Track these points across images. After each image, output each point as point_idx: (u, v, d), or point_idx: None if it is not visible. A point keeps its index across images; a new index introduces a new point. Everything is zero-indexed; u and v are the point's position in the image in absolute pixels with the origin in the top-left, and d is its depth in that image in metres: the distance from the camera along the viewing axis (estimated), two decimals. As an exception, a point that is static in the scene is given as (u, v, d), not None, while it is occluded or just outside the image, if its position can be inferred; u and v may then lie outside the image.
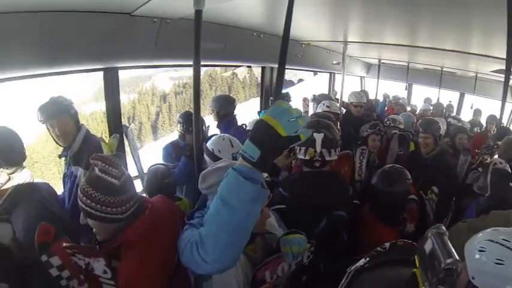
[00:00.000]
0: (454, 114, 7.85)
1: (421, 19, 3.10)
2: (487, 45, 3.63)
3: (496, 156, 3.55)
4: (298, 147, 2.32)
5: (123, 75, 3.66)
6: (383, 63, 7.40)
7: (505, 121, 7.74)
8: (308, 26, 4.00)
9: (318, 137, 2.25)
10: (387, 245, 1.10)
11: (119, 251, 1.57)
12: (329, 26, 4.18)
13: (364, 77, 9.22)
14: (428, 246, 0.87)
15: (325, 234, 2.19)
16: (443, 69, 6.87)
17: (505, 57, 3.51)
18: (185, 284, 1.58)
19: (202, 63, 2.46)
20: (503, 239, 1.29)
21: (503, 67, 4.13)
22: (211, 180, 1.62)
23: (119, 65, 3.19)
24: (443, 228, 0.92)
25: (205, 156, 2.69)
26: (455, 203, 3.57)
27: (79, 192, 1.56)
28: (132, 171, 3.30)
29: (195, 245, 1.30)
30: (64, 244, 1.52)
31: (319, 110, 4.50)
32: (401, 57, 6.41)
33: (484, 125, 7.17)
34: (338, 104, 4.86)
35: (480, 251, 1.28)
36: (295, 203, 2.20)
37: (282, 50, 1.67)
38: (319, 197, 2.23)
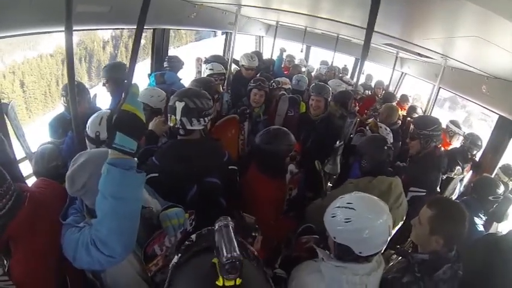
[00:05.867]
0: (347, 77, 8.39)
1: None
2: (380, 23, 3.83)
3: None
4: (169, 115, 2.44)
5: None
6: (281, 24, 7.53)
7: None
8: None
9: (179, 106, 2.37)
10: (193, 236, 1.23)
11: (8, 247, 1.54)
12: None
13: (263, 36, 9.32)
14: (217, 238, 1.02)
15: (197, 201, 2.39)
16: (339, 36, 7.25)
17: (391, 34, 3.83)
18: (79, 272, 1.65)
19: (83, 28, 2.21)
20: (347, 203, 1.78)
21: (392, 42, 4.53)
22: (82, 179, 1.60)
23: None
24: (229, 219, 1.09)
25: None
26: (341, 162, 3.96)
27: None
28: (20, 152, 3.16)
29: (94, 246, 1.37)
30: None
31: (204, 75, 4.64)
32: (299, 22, 6.60)
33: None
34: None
35: (333, 216, 1.79)
36: (165, 171, 2.33)
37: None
38: (188, 164, 2.38)
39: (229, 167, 2.63)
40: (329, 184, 3.21)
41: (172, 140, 2.61)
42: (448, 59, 4.33)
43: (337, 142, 2.67)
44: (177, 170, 2.34)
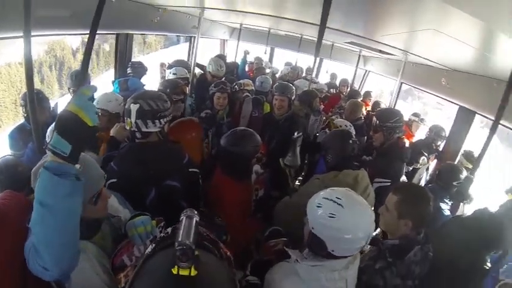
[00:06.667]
0: (312, 77, 8.54)
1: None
2: (344, 22, 3.93)
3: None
4: (125, 118, 2.39)
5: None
6: (245, 27, 7.55)
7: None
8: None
9: (134, 108, 2.32)
10: (169, 229, 1.21)
11: None
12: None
13: (227, 40, 9.34)
14: (178, 227, 1.02)
15: (157, 204, 2.36)
16: (303, 37, 7.35)
17: (352, 32, 3.93)
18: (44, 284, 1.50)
19: (43, 33, 2.13)
20: (337, 197, 1.68)
21: (354, 40, 4.65)
22: None
23: None
24: (195, 211, 1.08)
25: None
26: (307, 159, 4.16)
27: None
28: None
29: (33, 255, 1.28)
30: None
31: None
32: (263, 23, 6.68)
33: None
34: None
35: (318, 206, 1.70)
36: (124, 176, 2.29)
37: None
38: (145, 168, 2.34)
39: (190, 170, 2.60)
40: (297, 182, 3.24)
41: (130, 143, 2.57)
42: (409, 54, 4.48)
43: (295, 133, 2.68)
44: (134, 174, 2.31)
